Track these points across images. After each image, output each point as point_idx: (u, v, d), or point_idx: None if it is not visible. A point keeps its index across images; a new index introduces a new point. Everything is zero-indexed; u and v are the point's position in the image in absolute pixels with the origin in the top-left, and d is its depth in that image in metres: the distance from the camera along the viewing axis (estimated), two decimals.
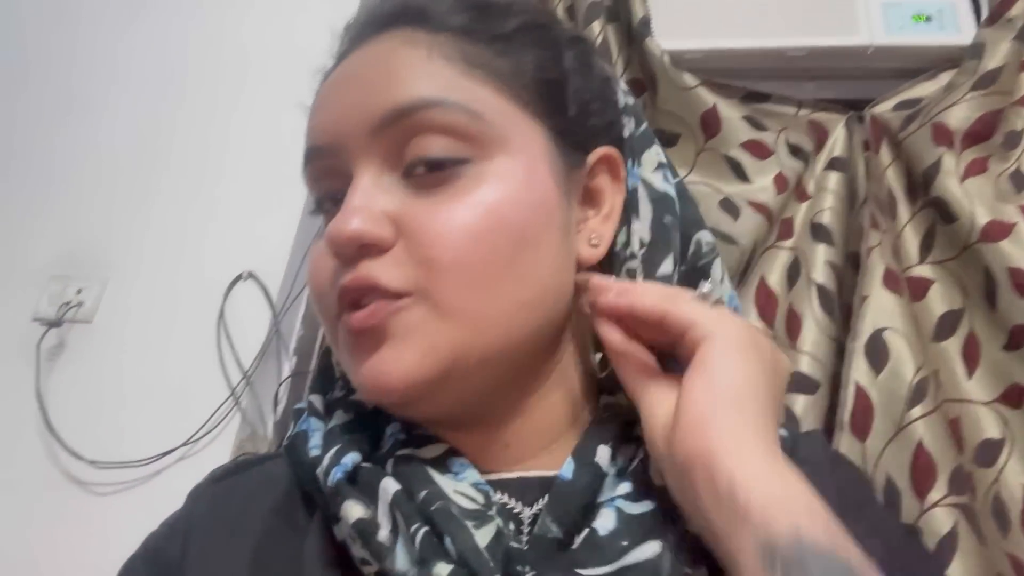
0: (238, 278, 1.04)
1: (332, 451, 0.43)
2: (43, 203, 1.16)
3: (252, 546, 0.44)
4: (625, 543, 0.38)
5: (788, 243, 0.93)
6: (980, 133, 0.88)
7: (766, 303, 0.90)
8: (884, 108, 0.96)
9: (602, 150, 0.48)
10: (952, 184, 0.86)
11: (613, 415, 0.44)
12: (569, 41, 0.49)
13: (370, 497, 0.41)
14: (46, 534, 0.93)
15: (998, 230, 0.81)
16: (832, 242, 0.90)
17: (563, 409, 0.46)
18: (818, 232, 0.91)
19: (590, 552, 0.38)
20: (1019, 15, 0.92)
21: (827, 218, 0.91)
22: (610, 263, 0.47)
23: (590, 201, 0.47)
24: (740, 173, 0.96)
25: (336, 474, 0.41)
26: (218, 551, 0.44)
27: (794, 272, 0.91)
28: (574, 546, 0.39)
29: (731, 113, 0.98)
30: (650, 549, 0.38)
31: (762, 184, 0.95)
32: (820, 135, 0.98)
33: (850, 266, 0.90)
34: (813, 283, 0.89)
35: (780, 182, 0.95)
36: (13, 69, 1.30)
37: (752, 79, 1.01)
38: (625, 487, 0.41)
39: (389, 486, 0.40)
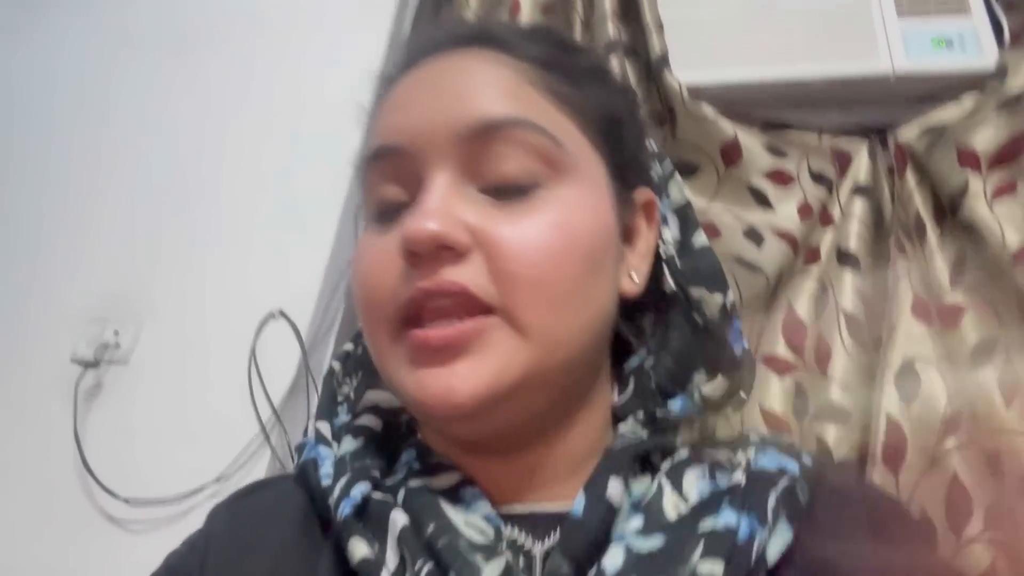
0: (269, 316, 1.06)
1: (343, 481, 0.43)
2: (81, 248, 1.19)
3: (269, 562, 0.44)
4: None
5: (815, 270, 0.92)
6: (1007, 155, 0.87)
7: (794, 331, 0.89)
8: (908, 133, 0.96)
9: (645, 192, 0.50)
10: (981, 207, 0.84)
11: (627, 445, 0.44)
12: (623, 88, 0.52)
13: (379, 530, 0.41)
14: (82, 570, 0.95)
15: None
16: (859, 268, 0.89)
17: (591, 436, 0.46)
18: (845, 258, 0.90)
19: None
20: None
21: (853, 244, 0.90)
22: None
23: (628, 239, 0.49)
24: (763, 201, 0.96)
25: (345, 508, 0.41)
26: (235, 567, 0.45)
27: (821, 299, 0.90)
28: None
29: (752, 142, 0.98)
30: None
31: (786, 212, 0.95)
32: (843, 161, 0.97)
33: (878, 292, 0.89)
34: (841, 311, 0.87)
35: (804, 209, 0.94)
36: (52, 113, 1.35)
37: (773, 108, 1.01)
38: (637, 522, 0.41)
39: (398, 519, 0.40)
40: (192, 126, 1.26)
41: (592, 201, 0.44)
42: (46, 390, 1.06)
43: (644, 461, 0.45)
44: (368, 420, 0.50)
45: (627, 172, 0.48)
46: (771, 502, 0.41)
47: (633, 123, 0.51)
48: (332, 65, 1.18)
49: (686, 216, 0.53)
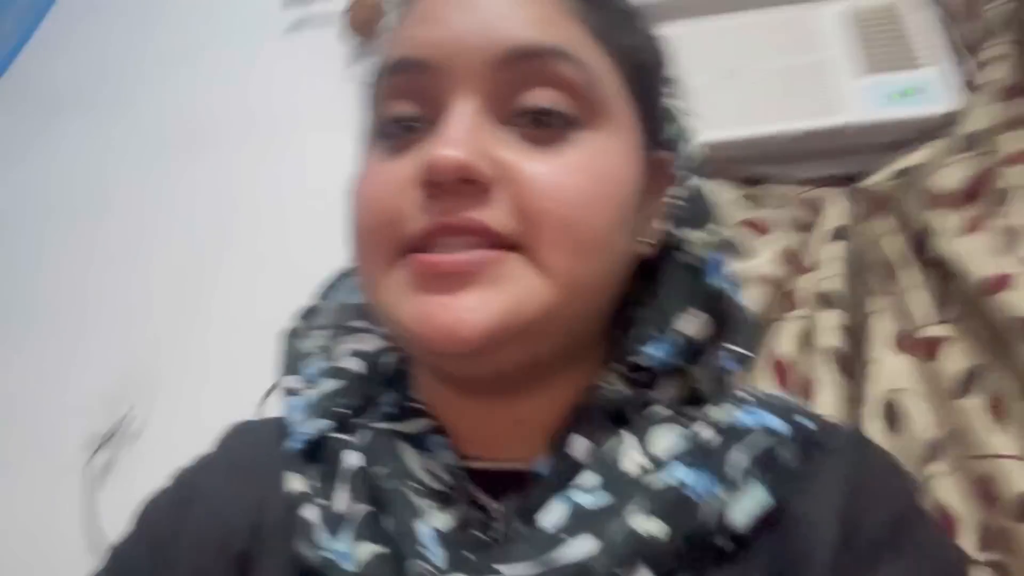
0: (272, 389, 1.09)
1: (304, 418, 0.42)
2: (96, 329, 1.25)
3: (259, 487, 0.44)
4: (564, 536, 0.35)
5: (797, 313, 0.94)
6: (970, 193, 0.90)
7: (780, 374, 0.91)
8: (877, 179, 1.00)
9: (664, 152, 0.46)
10: (951, 244, 0.88)
11: (601, 400, 0.41)
12: (659, 37, 0.47)
13: (332, 470, 0.40)
14: None
15: (997, 282, 0.82)
16: (840, 308, 0.91)
17: (579, 392, 0.42)
18: (826, 300, 0.92)
19: (523, 546, 0.36)
20: (995, 80, 0.96)
21: (833, 284, 0.93)
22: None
23: (646, 199, 0.44)
24: (742, 250, 0.99)
25: (293, 443, 0.41)
26: (228, 489, 0.45)
27: (805, 341, 0.92)
28: (513, 540, 0.37)
29: (729, 195, 1.02)
30: (586, 547, 0.35)
31: (766, 258, 0.98)
32: (818, 210, 1.02)
33: (861, 331, 0.91)
34: (827, 348, 0.89)
35: (783, 255, 0.97)
36: (58, 207, 1.43)
37: (747, 164, 1.07)
38: (590, 479, 0.38)
39: (351, 460, 0.39)
40: (192, 215, 1.34)
41: (625, 150, 0.40)
42: (59, 467, 1.09)
43: (621, 418, 0.41)
44: (350, 363, 0.46)
45: (654, 128, 0.44)
46: (741, 461, 0.38)
47: (665, 76, 0.47)
48: (339, 160, 1.25)
49: (696, 171, 0.49)
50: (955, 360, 0.85)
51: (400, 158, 0.39)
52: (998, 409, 0.82)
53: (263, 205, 1.30)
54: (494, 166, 0.37)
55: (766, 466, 0.38)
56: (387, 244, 0.38)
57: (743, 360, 0.45)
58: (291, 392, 0.46)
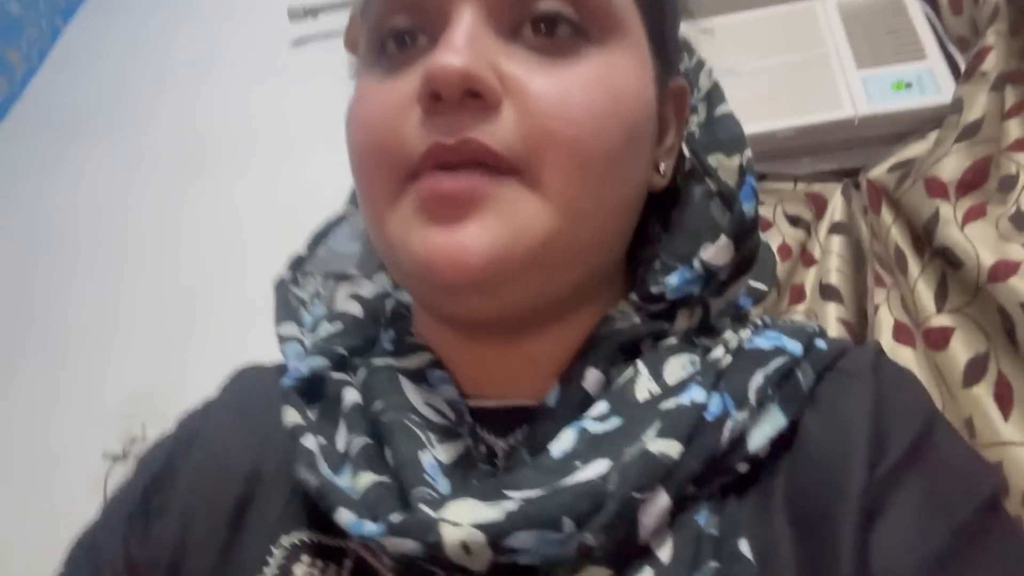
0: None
1: (302, 357, 0.41)
2: (111, 348, 1.27)
3: (261, 431, 0.43)
4: (576, 463, 0.33)
5: (800, 308, 0.94)
6: (973, 181, 0.90)
7: None
8: (878, 171, 1.00)
9: (679, 80, 0.43)
10: (953, 232, 0.87)
11: (614, 331, 0.39)
12: None
13: (334, 410, 0.38)
14: None
15: (1004, 269, 0.81)
16: (842, 301, 0.91)
17: (591, 330, 0.40)
18: (827, 292, 0.92)
19: (532, 472, 0.34)
20: (992, 68, 0.96)
21: (835, 279, 0.93)
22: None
23: (659, 129, 0.42)
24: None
25: (287, 380, 0.39)
26: (228, 433, 0.44)
27: None
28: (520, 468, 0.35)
29: None
30: (597, 468, 0.32)
31: None
32: (819, 204, 1.02)
33: (864, 324, 0.91)
34: None
35: (784, 251, 0.97)
36: (79, 227, 1.46)
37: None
38: (601, 407, 0.36)
39: (350, 396, 0.38)
40: (212, 237, 1.36)
41: (638, 70, 0.38)
42: (76, 484, 1.11)
43: (635, 350, 0.39)
44: (348, 306, 0.45)
45: (666, 52, 0.41)
46: (756, 382, 0.36)
47: (680, 5, 0.44)
48: (321, 172, 1.27)
49: (712, 95, 0.46)
50: (961, 350, 0.84)
51: (399, 77, 0.36)
52: (1006, 397, 0.81)
53: (274, 219, 1.32)
54: (500, 80, 0.34)
55: (782, 387, 0.36)
56: (389, 172, 0.36)
57: (758, 296, 0.43)
58: (289, 339, 0.44)
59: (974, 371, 0.83)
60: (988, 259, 0.83)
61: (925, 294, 0.89)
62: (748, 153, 0.42)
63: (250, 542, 0.39)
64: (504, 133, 0.33)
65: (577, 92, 0.34)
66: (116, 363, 1.26)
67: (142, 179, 1.48)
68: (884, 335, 0.83)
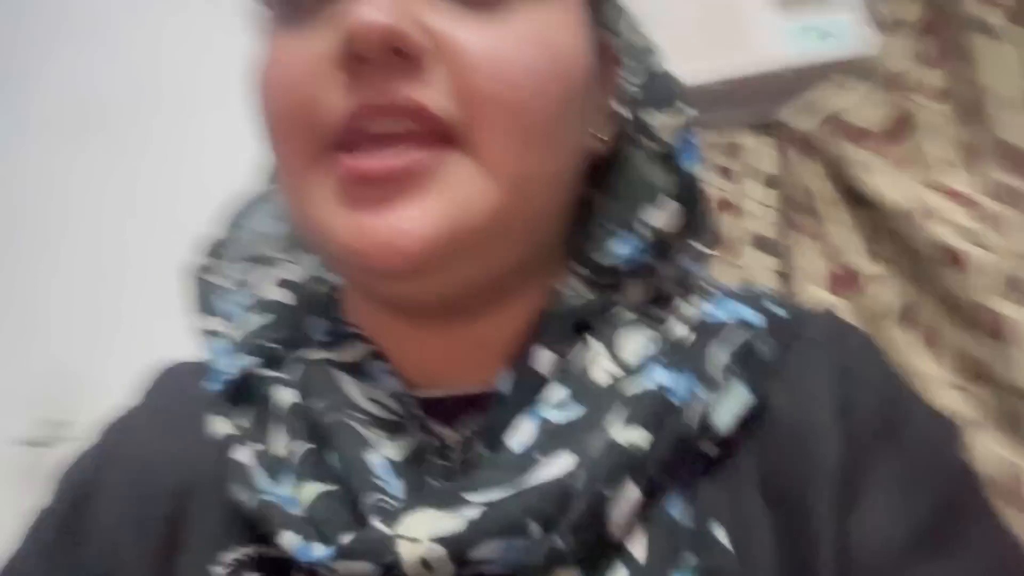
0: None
1: (229, 353, 0.38)
2: (27, 332, 1.21)
3: (187, 440, 0.40)
4: (537, 456, 0.32)
5: (731, 259, 0.96)
6: (891, 130, 0.92)
7: None
8: (797, 119, 1.02)
9: (611, 37, 0.40)
10: (870, 178, 0.90)
11: (560, 307, 0.37)
12: None
13: (263, 412, 0.36)
14: None
15: (921, 213, 0.84)
16: (769, 249, 0.93)
17: (539, 308, 0.38)
18: (759, 243, 0.94)
19: (492, 471, 0.32)
20: (910, 19, 0.98)
21: (760, 227, 0.95)
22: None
23: (595, 85, 0.39)
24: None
25: (213, 384, 0.37)
26: (151, 445, 0.41)
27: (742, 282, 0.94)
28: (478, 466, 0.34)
29: None
30: (562, 464, 0.31)
31: None
32: (737, 154, 1.03)
33: (787, 269, 0.93)
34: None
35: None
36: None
37: None
38: (559, 392, 0.34)
39: (284, 398, 0.35)
40: (100, 201, 1.28)
41: (574, 24, 0.35)
42: None
43: (586, 326, 0.37)
44: (275, 294, 0.41)
45: (600, 6, 0.39)
46: (720, 358, 0.35)
47: None
48: (230, 139, 1.21)
49: (648, 51, 0.42)
50: (886, 294, 0.88)
51: (309, 32, 0.32)
52: (930, 339, 0.85)
53: (183, 191, 1.25)
54: (426, 36, 0.31)
55: (745, 362, 0.35)
56: (304, 139, 0.32)
57: (703, 259, 0.41)
58: (210, 334, 0.40)
59: (899, 317, 0.86)
60: (907, 204, 0.86)
61: (845, 242, 0.92)
62: (690, 111, 0.40)
63: (187, 563, 0.37)
64: (436, 94, 0.31)
65: (512, 50, 0.32)
66: (35, 346, 1.20)
67: (36, 141, 1.37)
68: (808, 283, 0.86)
